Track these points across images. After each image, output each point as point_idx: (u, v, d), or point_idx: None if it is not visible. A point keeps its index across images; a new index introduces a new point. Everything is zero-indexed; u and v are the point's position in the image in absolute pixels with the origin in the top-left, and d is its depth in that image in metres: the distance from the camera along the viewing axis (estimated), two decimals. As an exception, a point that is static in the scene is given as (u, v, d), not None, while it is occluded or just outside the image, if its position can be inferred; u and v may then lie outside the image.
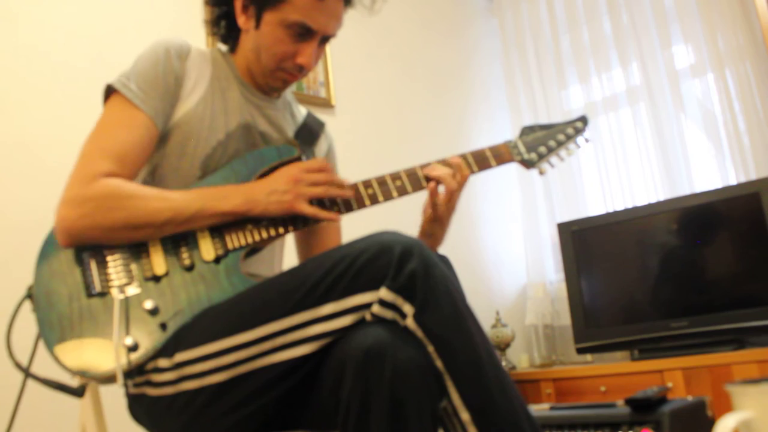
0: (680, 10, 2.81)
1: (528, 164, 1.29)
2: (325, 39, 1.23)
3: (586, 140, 1.35)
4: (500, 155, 1.28)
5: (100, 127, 1.15)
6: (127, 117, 1.14)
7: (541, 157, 1.30)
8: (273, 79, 1.25)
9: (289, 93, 1.39)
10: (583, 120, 1.35)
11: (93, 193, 1.07)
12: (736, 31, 2.62)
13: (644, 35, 2.86)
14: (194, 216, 1.10)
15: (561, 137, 1.32)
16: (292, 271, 1.02)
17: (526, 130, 1.32)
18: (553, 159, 1.32)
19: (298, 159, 1.24)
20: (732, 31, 2.63)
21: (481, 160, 1.26)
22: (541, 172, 1.31)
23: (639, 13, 2.89)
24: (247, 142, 1.23)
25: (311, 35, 1.19)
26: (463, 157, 1.25)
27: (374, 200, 1.21)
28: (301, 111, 1.41)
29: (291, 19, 1.17)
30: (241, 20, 1.23)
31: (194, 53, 1.24)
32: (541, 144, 1.31)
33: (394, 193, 1.21)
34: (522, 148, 1.29)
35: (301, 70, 1.23)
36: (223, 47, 1.32)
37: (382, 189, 1.21)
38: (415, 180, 1.22)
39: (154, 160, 1.20)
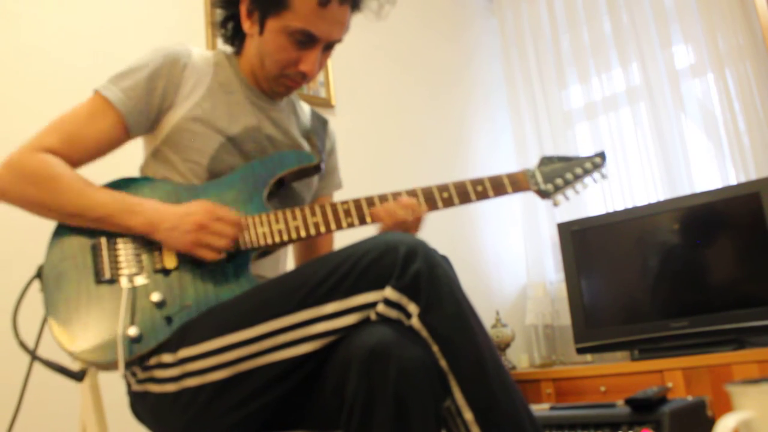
0: (680, 10, 2.81)
1: (543, 195, 1.30)
2: (329, 45, 1.22)
3: (603, 176, 1.35)
4: (517, 183, 1.28)
5: (70, 111, 1.19)
6: (96, 109, 1.17)
7: (557, 188, 1.31)
8: (276, 85, 1.25)
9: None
10: (602, 156, 1.35)
11: (24, 163, 1.12)
12: (736, 31, 2.62)
13: (644, 35, 2.86)
14: (99, 219, 1.11)
15: (579, 171, 1.33)
16: (297, 271, 1.02)
17: (545, 161, 1.33)
18: (569, 192, 1.33)
19: (317, 166, 1.26)
20: (732, 31, 2.63)
21: (497, 186, 1.27)
22: (556, 204, 1.32)
23: (639, 13, 2.89)
24: (255, 146, 1.24)
25: (314, 42, 1.19)
26: (481, 181, 1.25)
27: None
28: (304, 108, 1.41)
29: (293, 26, 1.16)
30: (246, 25, 1.23)
31: (195, 58, 1.24)
32: (558, 176, 1.31)
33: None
34: (539, 178, 1.30)
35: (305, 78, 1.23)
36: (229, 49, 1.32)
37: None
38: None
39: (161, 170, 1.21)
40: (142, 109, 1.18)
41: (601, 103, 2.99)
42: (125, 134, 1.19)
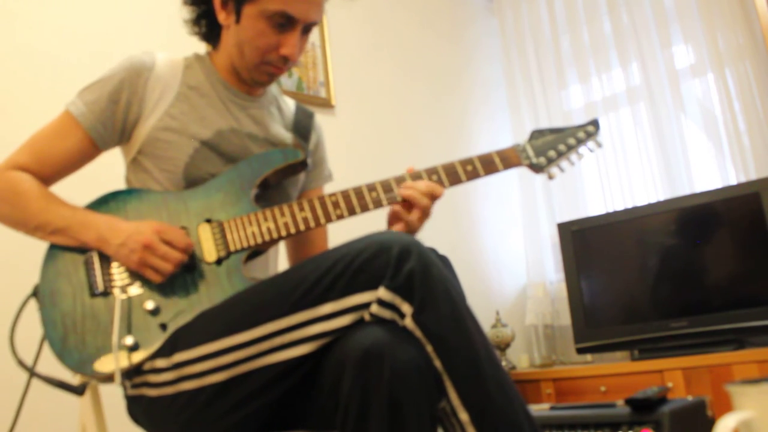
0: (680, 10, 2.81)
1: (536, 169, 1.26)
2: (307, 28, 1.21)
3: (599, 145, 1.31)
4: (507, 159, 1.24)
5: (42, 128, 1.21)
6: (63, 126, 1.19)
7: (550, 161, 1.27)
8: (258, 74, 1.23)
9: (274, 86, 1.36)
10: (595, 124, 1.31)
11: None
12: (736, 31, 2.62)
13: (644, 35, 2.86)
14: (56, 232, 1.12)
15: (572, 141, 1.28)
16: (291, 271, 1.02)
17: (536, 134, 1.29)
18: (563, 163, 1.28)
19: (304, 162, 1.24)
20: (732, 31, 2.63)
21: (487, 164, 1.23)
22: (550, 177, 1.28)
23: (639, 13, 2.89)
24: (236, 146, 1.22)
25: (293, 24, 1.18)
26: (470, 161, 1.23)
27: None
28: (288, 103, 1.39)
29: (271, 9, 1.15)
30: (222, 16, 1.22)
31: (160, 66, 1.23)
32: (550, 148, 1.27)
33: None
34: (530, 152, 1.26)
35: (286, 62, 1.21)
36: (204, 48, 1.31)
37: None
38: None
39: (141, 179, 1.21)
40: (106, 122, 1.19)
41: (601, 103, 2.99)
42: (94, 148, 1.20)
